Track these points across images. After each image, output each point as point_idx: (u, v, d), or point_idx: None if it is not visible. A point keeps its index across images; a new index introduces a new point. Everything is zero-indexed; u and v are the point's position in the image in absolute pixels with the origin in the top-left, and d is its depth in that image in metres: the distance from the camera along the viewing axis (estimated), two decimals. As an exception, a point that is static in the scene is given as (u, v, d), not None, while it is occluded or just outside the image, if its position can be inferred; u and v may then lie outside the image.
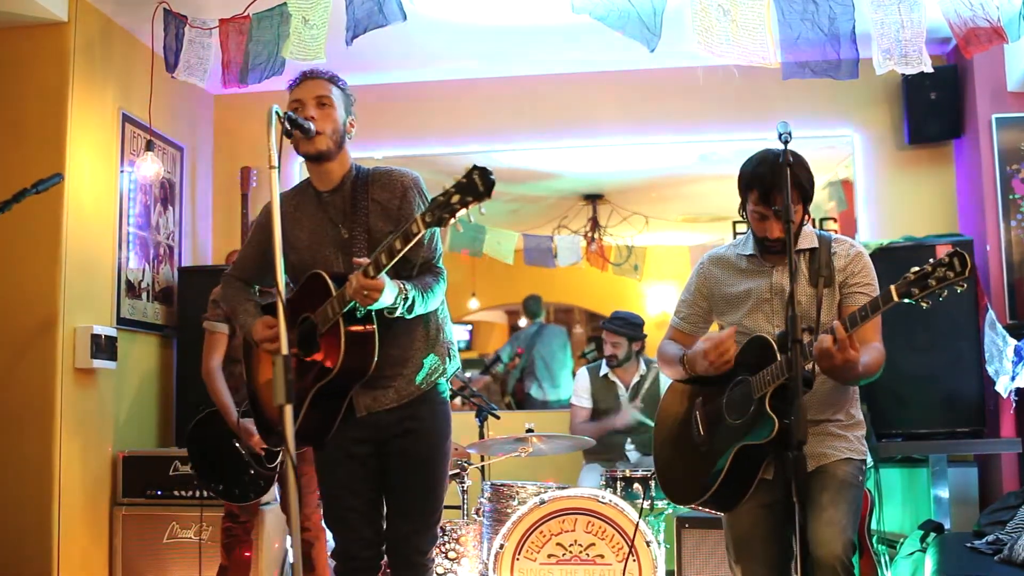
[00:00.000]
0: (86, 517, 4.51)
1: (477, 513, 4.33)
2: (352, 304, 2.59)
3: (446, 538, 4.06)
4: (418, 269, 2.81)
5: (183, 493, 4.64)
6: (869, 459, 2.99)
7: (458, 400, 4.71)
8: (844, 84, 4.20)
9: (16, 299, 4.38)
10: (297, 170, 5.51)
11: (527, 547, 3.99)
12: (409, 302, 2.65)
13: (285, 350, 2.36)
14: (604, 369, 5.02)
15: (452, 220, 2.39)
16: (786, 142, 2.66)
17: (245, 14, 4.38)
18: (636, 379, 4.99)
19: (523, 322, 6.33)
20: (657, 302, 6.03)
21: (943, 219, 5.28)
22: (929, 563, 3.71)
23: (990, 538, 3.70)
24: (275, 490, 4.22)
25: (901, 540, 4.41)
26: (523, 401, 6.10)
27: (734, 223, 5.11)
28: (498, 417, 4.69)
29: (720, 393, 2.83)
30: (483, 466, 4.60)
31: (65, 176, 4.18)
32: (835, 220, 5.33)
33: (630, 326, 4.97)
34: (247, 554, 4.09)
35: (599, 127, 5.70)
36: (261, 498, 4.07)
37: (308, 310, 2.73)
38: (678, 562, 4.03)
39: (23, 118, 4.47)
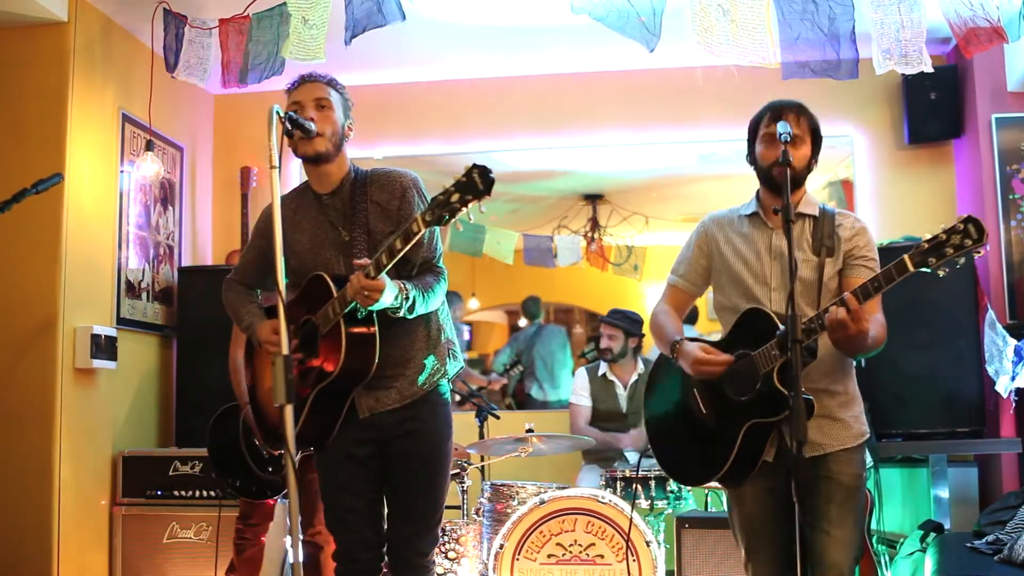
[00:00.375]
0: (86, 517, 4.51)
1: (477, 513, 4.33)
2: (353, 305, 2.59)
3: (446, 538, 4.06)
4: (418, 269, 2.81)
5: (183, 493, 4.65)
6: (871, 435, 2.94)
7: (457, 397, 4.71)
8: (844, 84, 4.20)
9: (16, 299, 4.38)
10: (297, 170, 5.49)
11: (527, 547, 3.99)
12: (410, 302, 2.65)
13: (285, 350, 2.36)
14: (603, 368, 5.02)
15: (452, 219, 2.39)
16: (786, 142, 2.66)
17: (245, 14, 4.39)
18: (634, 378, 4.99)
19: (523, 322, 6.33)
20: (657, 302, 6.01)
21: (943, 219, 5.12)
22: (929, 563, 3.71)
23: (990, 538, 3.69)
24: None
25: (901, 540, 4.41)
26: (523, 401, 6.09)
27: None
28: (498, 417, 4.70)
29: None
30: (483, 466, 4.60)
31: (65, 176, 4.17)
32: (835, 220, 5.32)
33: (627, 320, 4.98)
34: (255, 556, 4.08)
35: (599, 127, 5.69)
36: (275, 499, 4.00)
37: (310, 313, 2.73)
38: (678, 562, 4.02)
39: (23, 118, 4.47)
